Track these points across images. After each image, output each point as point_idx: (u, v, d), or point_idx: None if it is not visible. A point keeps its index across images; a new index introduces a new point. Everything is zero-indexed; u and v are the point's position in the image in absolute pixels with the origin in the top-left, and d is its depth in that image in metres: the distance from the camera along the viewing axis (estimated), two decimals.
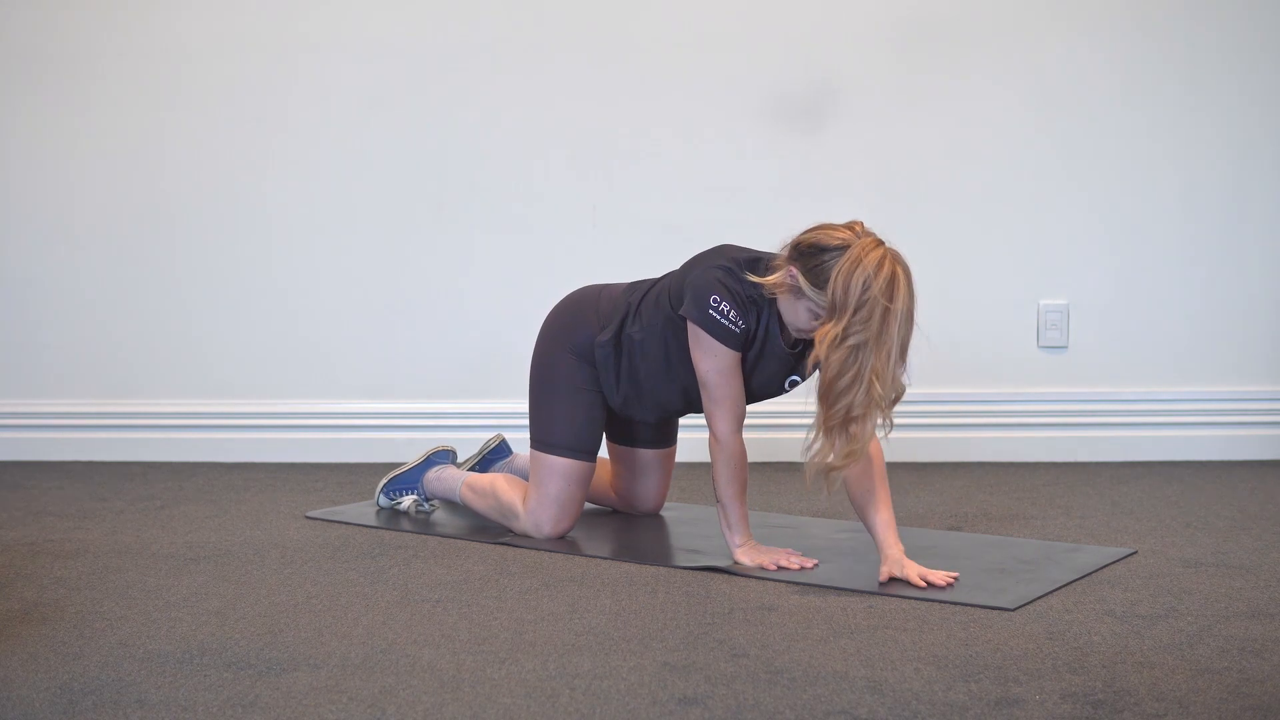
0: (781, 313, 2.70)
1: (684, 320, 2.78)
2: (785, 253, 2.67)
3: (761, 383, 2.81)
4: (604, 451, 3.25)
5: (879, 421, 2.55)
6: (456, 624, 2.30)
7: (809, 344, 2.66)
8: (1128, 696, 1.93)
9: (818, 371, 2.59)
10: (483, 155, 4.07)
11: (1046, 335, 4.07)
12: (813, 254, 2.58)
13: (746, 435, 3.86)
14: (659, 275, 3.02)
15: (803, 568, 2.65)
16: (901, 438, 3.97)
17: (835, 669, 2.05)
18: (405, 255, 4.10)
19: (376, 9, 4.06)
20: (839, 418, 2.52)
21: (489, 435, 3.61)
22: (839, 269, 2.51)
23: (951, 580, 2.54)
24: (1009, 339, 4.07)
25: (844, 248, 2.54)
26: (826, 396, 2.52)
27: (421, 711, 1.88)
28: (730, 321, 2.69)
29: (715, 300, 2.68)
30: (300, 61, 4.08)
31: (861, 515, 2.68)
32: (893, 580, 2.54)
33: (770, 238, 4.10)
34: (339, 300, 4.11)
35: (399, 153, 4.08)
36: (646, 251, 4.02)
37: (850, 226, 2.60)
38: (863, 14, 4.02)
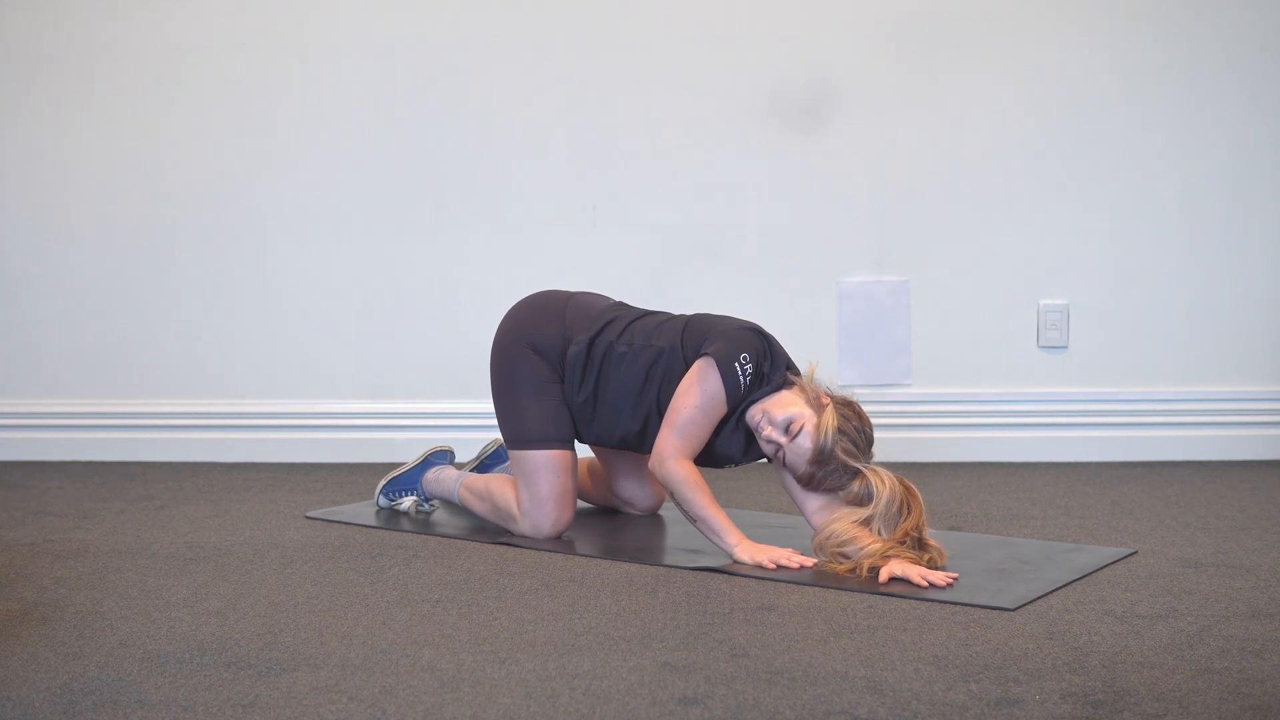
0: (766, 406, 2.75)
1: (686, 360, 2.82)
2: (815, 390, 2.75)
3: (724, 449, 2.86)
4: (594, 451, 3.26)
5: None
6: (456, 624, 2.30)
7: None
8: (1128, 696, 1.93)
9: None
10: (481, 155, 4.07)
11: (1046, 335, 4.07)
12: (842, 442, 2.68)
13: None
14: (653, 309, 3.04)
15: (802, 567, 2.65)
16: (902, 437, 3.99)
17: (835, 669, 2.05)
18: (405, 255, 4.10)
19: (373, 9, 4.06)
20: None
21: (487, 435, 3.61)
22: (885, 504, 2.64)
23: (951, 581, 2.54)
24: (1009, 339, 4.07)
25: (855, 460, 2.69)
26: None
27: (421, 711, 1.88)
28: (744, 381, 2.75)
29: (745, 358, 2.75)
30: (299, 62, 4.08)
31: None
32: (894, 580, 2.55)
33: (770, 237, 4.13)
34: (339, 300, 4.11)
35: (398, 153, 4.08)
36: (646, 251, 4.03)
37: (875, 469, 2.70)
38: (862, 14, 4.02)
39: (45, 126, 4.14)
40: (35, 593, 2.52)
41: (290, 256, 4.12)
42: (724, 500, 3.45)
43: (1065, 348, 4.08)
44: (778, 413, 2.73)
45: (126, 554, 2.84)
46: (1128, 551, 2.83)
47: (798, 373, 2.83)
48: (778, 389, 2.78)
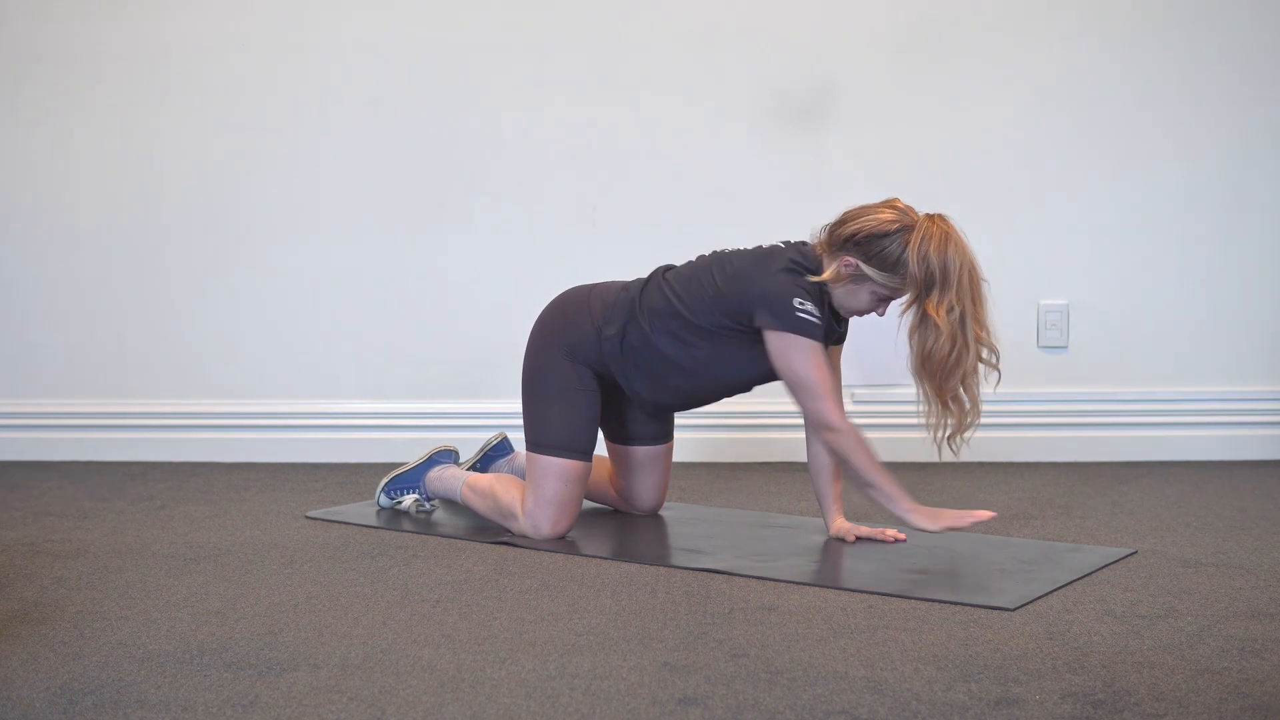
0: (838, 300, 2.83)
1: (742, 329, 2.84)
2: (827, 244, 2.81)
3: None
4: (603, 449, 3.26)
5: (988, 376, 2.79)
6: (456, 624, 2.30)
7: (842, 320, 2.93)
8: (1128, 696, 1.93)
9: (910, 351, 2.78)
10: (483, 155, 4.07)
11: (1046, 335, 4.07)
12: (871, 242, 2.74)
13: (746, 435, 3.89)
14: (668, 269, 3.03)
15: (974, 523, 2.79)
16: (902, 438, 3.98)
17: (835, 669, 2.05)
18: (405, 255, 4.10)
19: (375, 9, 4.06)
20: (955, 388, 2.74)
21: (489, 435, 3.61)
22: (921, 250, 2.71)
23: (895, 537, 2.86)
24: (1009, 339, 4.04)
25: (905, 229, 2.73)
26: (939, 372, 2.73)
27: (421, 711, 1.88)
28: (816, 318, 2.79)
29: (799, 303, 2.77)
30: (299, 62, 4.08)
31: (816, 478, 2.96)
32: (836, 540, 2.90)
33: (769, 237, 4.11)
34: (339, 300, 4.11)
35: (399, 153, 4.08)
36: (646, 252, 4.02)
37: (891, 205, 2.78)
38: (863, 14, 4.02)
39: (44, 127, 4.14)
40: (35, 593, 2.52)
41: (290, 256, 4.11)
42: (724, 500, 3.46)
43: (1065, 348, 4.08)
44: (857, 303, 2.82)
45: (126, 554, 2.84)
46: (1128, 551, 2.83)
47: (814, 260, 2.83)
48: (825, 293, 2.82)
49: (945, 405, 2.77)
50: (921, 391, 2.79)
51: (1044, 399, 4.06)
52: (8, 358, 4.18)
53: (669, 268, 3.02)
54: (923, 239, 2.71)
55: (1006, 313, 4.06)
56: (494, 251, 4.08)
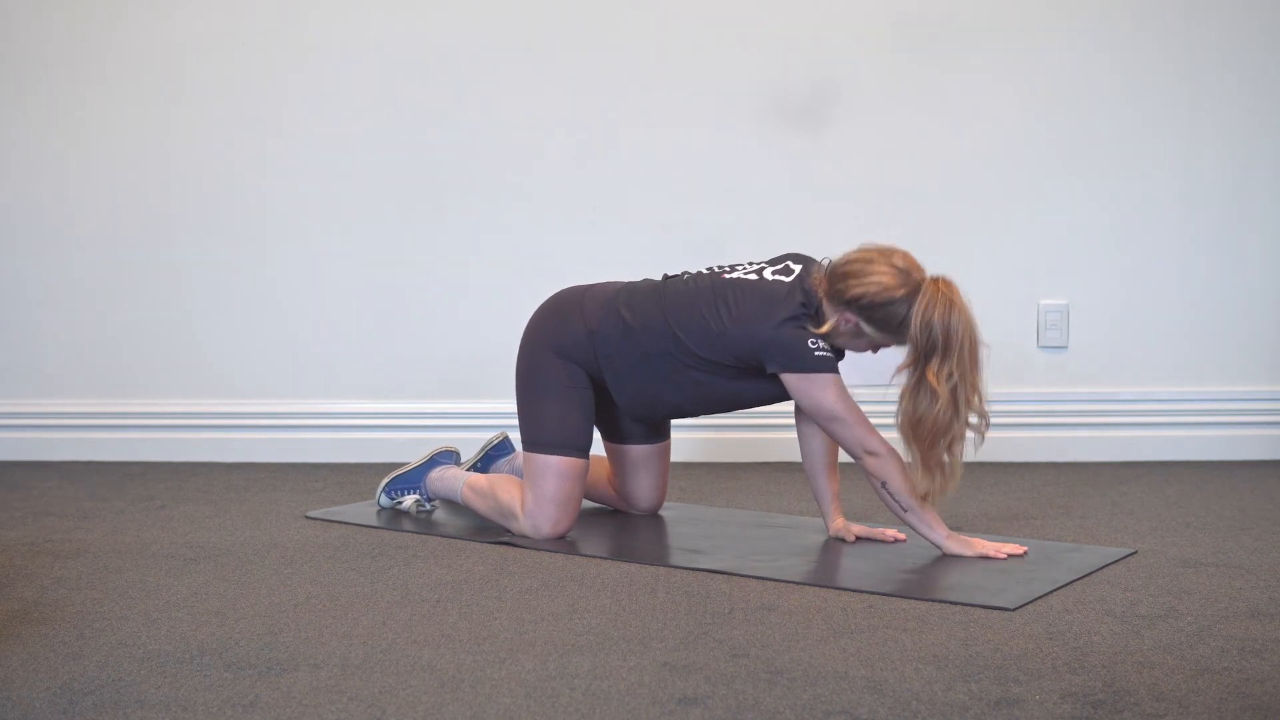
0: (840, 346, 2.86)
1: (719, 360, 2.85)
2: (828, 292, 2.80)
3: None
4: (601, 449, 3.26)
5: (974, 441, 2.79)
6: (456, 624, 2.30)
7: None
8: (1128, 696, 1.93)
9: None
10: (482, 155, 4.07)
11: (1046, 335, 4.07)
12: (875, 308, 2.75)
13: (746, 435, 3.88)
14: (644, 283, 3.02)
15: (1010, 555, 2.75)
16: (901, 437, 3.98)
17: (835, 669, 2.05)
18: (405, 255, 4.10)
19: (375, 8, 4.06)
20: (940, 453, 2.73)
21: (489, 435, 3.61)
22: (925, 317, 2.70)
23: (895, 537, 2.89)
24: (1009, 339, 4.06)
25: (910, 294, 2.73)
26: (929, 435, 2.71)
27: (421, 711, 1.88)
28: (829, 353, 2.81)
29: (812, 343, 2.78)
30: (300, 62, 4.08)
31: (813, 479, 2.98)
32: (836, 540, 2.92)
33: (769, 237, 4.13)
34: (339, 300, 4.11)
35: (398, 152, 4.08)
36: (646, 251, 4.03)
37: (892, 262, 2.76)
38: (863, 14, 4.02)
39: (46, 127, 4.14)
40: (35, 593, 2.52)
41: (291, 256, 4.11)
42: (725, 500, 3.46)
43: (1065, 348, 4.08)
44: (857, 348, 2.87)
45: (126, 554, 2.85)
46: (1128, 551, 2.83)
47: (815, 299, 2.84)
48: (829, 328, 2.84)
49: (928, 468, 2.74)
50: (906, 450, 2.77)
51: (1044, 399, 4.06)
52: (8, 358, 4.18)
53: (667, 278, 3.01)
54: (927, 305, 2.70)
55: (1006, 313, 4.06)
56: (494, 251, 4.08)
